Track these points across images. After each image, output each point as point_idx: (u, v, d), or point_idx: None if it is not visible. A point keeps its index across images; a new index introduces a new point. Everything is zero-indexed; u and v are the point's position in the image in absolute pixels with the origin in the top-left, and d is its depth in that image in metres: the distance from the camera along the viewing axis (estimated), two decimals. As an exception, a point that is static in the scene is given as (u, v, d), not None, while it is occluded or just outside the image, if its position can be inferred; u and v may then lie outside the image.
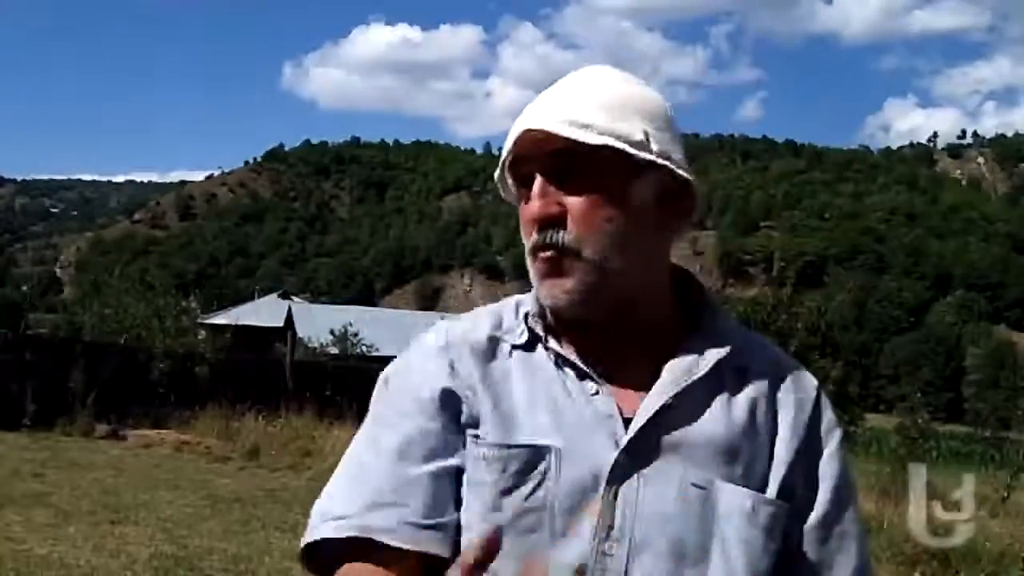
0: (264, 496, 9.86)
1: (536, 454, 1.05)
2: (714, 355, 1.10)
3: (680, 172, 1.09)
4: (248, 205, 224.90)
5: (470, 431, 1.09)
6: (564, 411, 1.07)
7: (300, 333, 34.98)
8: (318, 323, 35.25)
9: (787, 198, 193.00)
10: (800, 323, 18.85)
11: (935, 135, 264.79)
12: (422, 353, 1.15)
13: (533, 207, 1.08)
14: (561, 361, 1.10)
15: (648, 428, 1.06)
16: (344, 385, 16.88)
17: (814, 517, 1.10)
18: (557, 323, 1.13)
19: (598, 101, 1.08)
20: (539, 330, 1.13)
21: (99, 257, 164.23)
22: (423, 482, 1.06)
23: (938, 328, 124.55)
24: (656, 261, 1.13)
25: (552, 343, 1.11)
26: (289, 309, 40.25)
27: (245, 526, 8.15)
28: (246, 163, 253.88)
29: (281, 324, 37.94)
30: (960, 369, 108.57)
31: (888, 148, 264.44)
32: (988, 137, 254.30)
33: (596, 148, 1.05)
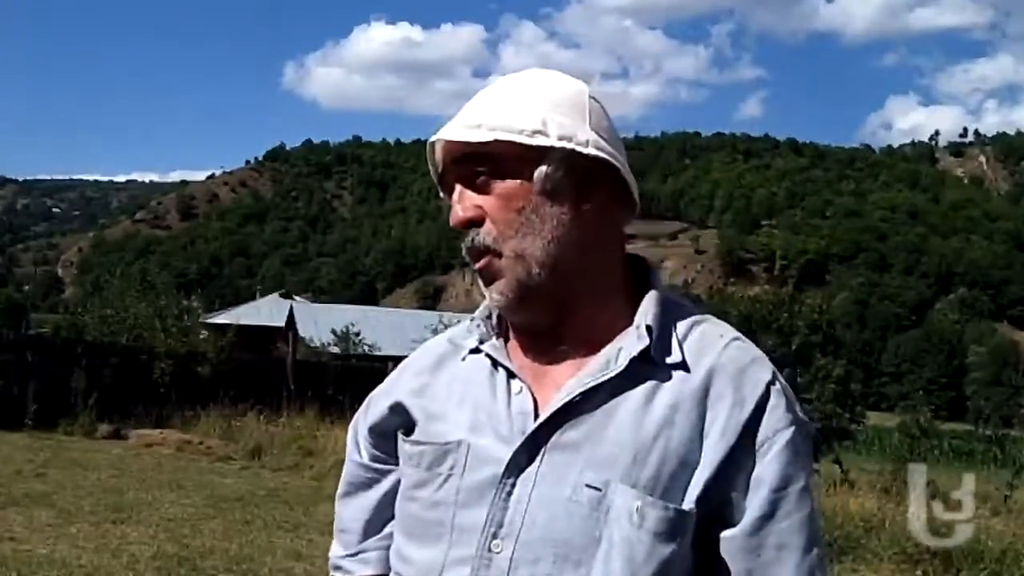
0: (266, 496, 9.87)
1: (445, 450, 1.11)
2: (630, 352, 1.07)
3: (586, 151, 1.07)
4: (250, 205, 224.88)
5: (402, 435, 1.19)
6: (484, 410, 1.11)
7: (302, 333, 34.95)
8: (320, 323, 35.30)
9: (789, 196, 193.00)
10: (802, 321, 18.87)
11: (937, 133, 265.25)
12: (386, 381, 1.27)
13: (453, 214, 1.10)
14: (494, 362, 1.13)
15: (549, 427, 1.06)
16: (346, 385, 16.88)
17: (743, 525, 1.04)
18: (509, 323, 1.17)
19: (491, 100, 1.11)
20: (484, 332, 1.17)
21: (101, 257, 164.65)
22: (355, 516, 1.28)
23: (940, 326, 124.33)
24: (587, 243, 1.10)
25: (489, 345, 1.15)
26: (291, 309, 40.24)
27: (247, 526, 8.15)
28: (247, 163, 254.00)
29: (283, 324, 37.92)
30: (962, 367, 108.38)
31: (890, 146, 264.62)
32: (990, 135, 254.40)
33: (492, 144, 1.06)
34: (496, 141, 1.06)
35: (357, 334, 33.23)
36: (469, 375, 1.15)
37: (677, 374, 1.07)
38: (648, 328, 1.07)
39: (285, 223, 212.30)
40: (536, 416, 1.07)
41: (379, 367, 20.31)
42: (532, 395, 1.09)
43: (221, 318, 33.67)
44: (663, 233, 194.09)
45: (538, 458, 1.05)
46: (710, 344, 1.09)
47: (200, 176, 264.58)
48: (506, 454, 1.06)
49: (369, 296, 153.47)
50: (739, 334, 1.13)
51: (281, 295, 51.99)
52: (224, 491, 9.92)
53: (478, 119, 1.08)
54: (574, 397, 1.06)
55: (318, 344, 32.46)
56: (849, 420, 19.50)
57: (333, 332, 33.58)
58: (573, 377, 1.08)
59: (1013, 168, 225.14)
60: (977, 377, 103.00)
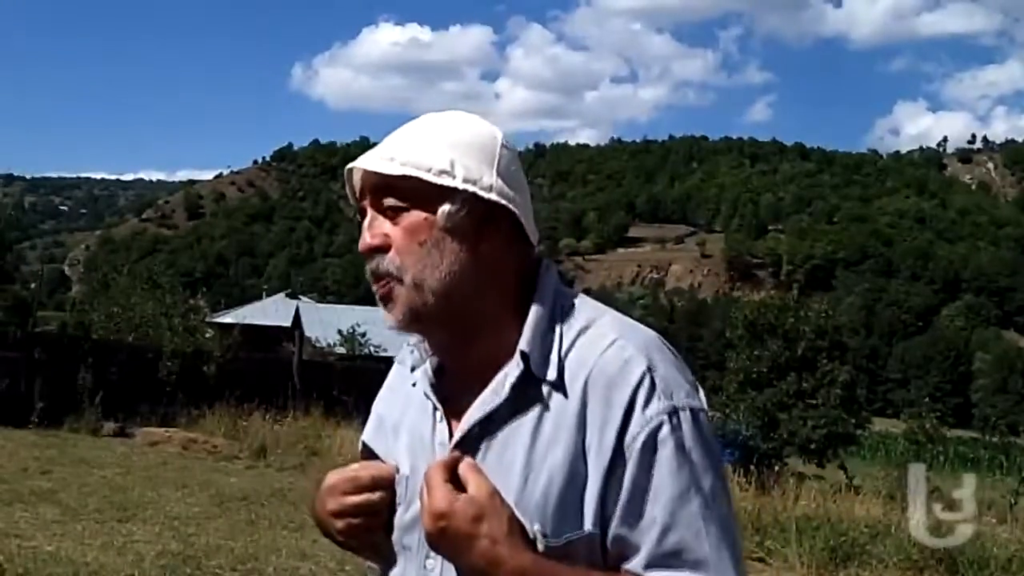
0: (271, 495, 9.88)
1: (399, 480, 1.21)
2: (512, 378, 1.13)
3: (487, 195, 1.14)
4: (256, 204, 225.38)
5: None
6: (416, 439, 1.22)
7: (308, 333, 34.89)
8: (326, 323, 35.28)
9: (796, 201, 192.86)
10: (807, 326, 18.82)
11: (945, 139, 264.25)
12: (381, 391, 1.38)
13: (362, 240, 1.19)
14: (423, 391, 1.23)
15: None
16: (351, 385, 16.91)
17: (640, 541, 1.08)
18: (429, 347, 1.25)
19: (409, 136, 1.19)
20: (417, 358, 1.26)
21: (108, 255, 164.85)
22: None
23: (946, 332, 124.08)
24: (482, 278, 1.16)
25: (422, 371, 1.24)
26: (297, 309, 40.24)
27: (252, 525, 8.18)
28: (255, 162, 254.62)
29: (289, 323, 37.93)
30: (968, 374, 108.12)
31: (897, 152, 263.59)
32: (998, 142, 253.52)
33: (403, 178, 1.14)
34: (405, 176, 1.13)
35: (363, 335, 33.18)
36: (414, 402, 1.25)
37: (557, 396, 1.12)
38: (523, 354, 1.13)
39: (292, 223, 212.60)
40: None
41: (385, 368, 20.32)
42: (449, 423, 1.18)
43: (227, 317, 33.74)
44: (669, 237, 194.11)
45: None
46: (588, 353, 1.13)
47: (207, 175, 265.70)
48: None
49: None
50: (621, 331, 1.15)
51: (287, 295, 52.01)
52: (229, 490, 9.94)
53: (392, 152, 1.16)
54: (472, 428, 1.15)
55: (324, 344, 32.47)
56: (855, 426, 19.42)
57: (339, 332, 33.56)
58: (471, 406, 1.16)
59: (1021, 175, 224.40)
60: (983, 384, 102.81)
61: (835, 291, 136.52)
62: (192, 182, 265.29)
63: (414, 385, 1.25)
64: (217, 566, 6.54)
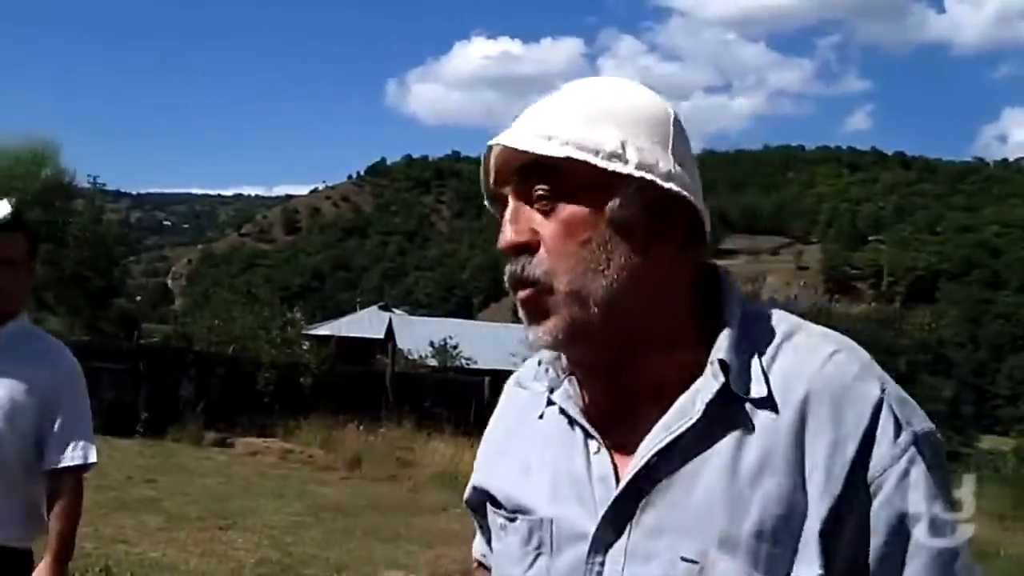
0: (365, 505, 10.01)
1: (530, 527, 1.01)
2: (706, 396, 0.92)
3: (666, 185, 0.93)
4: (351, 219, 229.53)
5: (491, 505, 1.11)
6: (563, 475, 1.00)
7: (400, 345, 35.35)
8: (417, 335, 35.63)
9: (897, 211, 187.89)
10: (908, 340, 18.27)
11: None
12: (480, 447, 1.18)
13: (503, 235, 0.98)
14: (569, 418, 1.02)
15: (632, 493, 0.94)
16: (442, 397, 17.06)
17: None
18: (570, 365, 1.04)
19: (569, 111, 0.97)
20: (554, 378, 1.05)
21: (209, 269, 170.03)
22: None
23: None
24: (655, 284, 0.95)
25: (561, 394, 1.03)
26: (389, 321, 40.78)
27: (347, 535, 8.28)
28: (349, 177, 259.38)
29: (381, 336, 38.49)
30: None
31: (1005, 159, 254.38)
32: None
33: (561, 161, 0.93)
34: (567, 159, 0.93)
35: (455, 347, 33.43)
36: (548, 433, 1.04)
37: (765, 413, 0.92)
38: (722, 363, 0.93)
39: (385, 237, 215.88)
40: (617, 480, 0.96)
41: (476, 380, 20.48)
42: (610, 455, 0.98)
43: (322, 330, 34.33)
44: (764, 248, 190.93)
45: (625, 531, 0.94)
46: (803, 364, 0.93)
47: (304, 190, 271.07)
48: (591, 529, 0.95)
49: (466, 310, 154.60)
50: (839, 342, 0.96)
51: (380, 307, 52.73)
52: (324, 500, 10.10)
53: (548, 129, 0.95)
54: (651, 459, 0.93)
55: (416, 357, 32.81)
56: (961, 444, 18.76)
57: (431, 344, 33.87)
58: (650, 433, 0.95)
59: None
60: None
61: (938, 303, 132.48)
62: (289, 197, 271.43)
63: (540, 417, 1.05)
64: (313, 575, 6.64)
